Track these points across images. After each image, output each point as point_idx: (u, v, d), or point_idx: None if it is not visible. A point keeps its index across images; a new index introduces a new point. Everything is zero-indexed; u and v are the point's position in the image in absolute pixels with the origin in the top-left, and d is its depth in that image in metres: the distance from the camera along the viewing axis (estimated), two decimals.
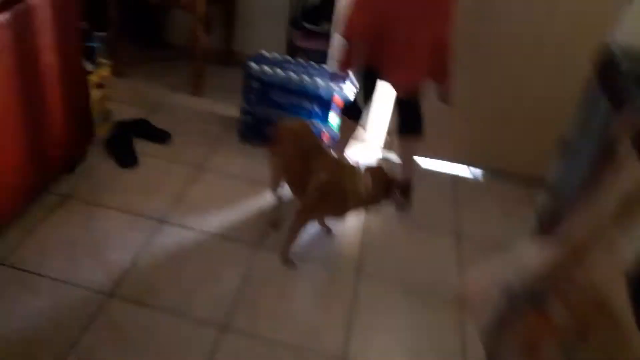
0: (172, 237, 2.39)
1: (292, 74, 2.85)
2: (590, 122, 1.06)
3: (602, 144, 0.94)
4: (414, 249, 2.58)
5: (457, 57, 2.39)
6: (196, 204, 2.59)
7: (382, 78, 2.50)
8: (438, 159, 3.17)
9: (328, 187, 2.21)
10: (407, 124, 2.59)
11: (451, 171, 3.19)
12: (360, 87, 2.63)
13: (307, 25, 3.50)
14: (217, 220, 2.51)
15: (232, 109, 3.29)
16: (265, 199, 2.66)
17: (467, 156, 3.16)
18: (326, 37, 3.30)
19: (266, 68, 2.87)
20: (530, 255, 1.04)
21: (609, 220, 0.97)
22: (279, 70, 2.86)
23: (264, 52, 3.05)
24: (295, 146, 2.34)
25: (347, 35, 2.41)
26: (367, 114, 2.74)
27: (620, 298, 0.97)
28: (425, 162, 3.18)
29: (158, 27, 3.94)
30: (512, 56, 2.83)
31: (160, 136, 2.97)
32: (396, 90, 2.49)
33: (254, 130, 3.03)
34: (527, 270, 0.96)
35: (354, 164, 2.28)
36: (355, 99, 2.68)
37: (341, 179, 2.21)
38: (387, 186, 2.21)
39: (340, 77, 2.82)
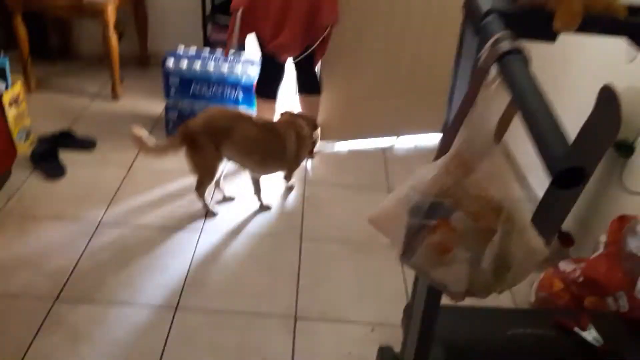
0: (112, 235, 2.41)
1: (210, 65, 2.92)
2: (464, 58, 1.21)
3: (474, 74, 1.08)
4: (351, 207, 2.73)
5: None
6: (131, 201, 2.61)
7: (266, 47, 2.68)
8: (364, 137, 3.31)
9: (303, 140, 2.60)
10: (304, 84, 2.88)
11: (379, 144, 3.36)
12: (264, 69, 2.80)
13: (220, 18, 3.57)
14: (154, 213, 2.55)
15: (155, 107, 3.33)
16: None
17: (383, 129, 3.32)
18: None
19: (184, 63, 2.92)
20: (425, 174, 1.16)
21: (488, 133, 1.12)
22: (197, 64, 2.92)
23: (179, 48, 3.09)
24: (215, 133, 2.41)
25: (234, 6, 2.62)
26: (279, 91, 2.90)
27: (513, 200, 1.12)
28: (356, 143, 3.32)
29: (68, 38, 3.89)
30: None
31: (85, 144, 2.96)
32: (278, 54, 2.67)
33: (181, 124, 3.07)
34: (425, 186, 1.10)
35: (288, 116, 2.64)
36: (262, 79, 2.83)
37: (298, 127, 2.59)
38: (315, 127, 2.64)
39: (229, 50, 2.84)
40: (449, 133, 1.17)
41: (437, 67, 3.06)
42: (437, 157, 1.17)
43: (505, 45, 1.01)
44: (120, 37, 3.79)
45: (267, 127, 2.52)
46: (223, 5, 3.64)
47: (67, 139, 2.96)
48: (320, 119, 2.89)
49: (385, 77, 3.00)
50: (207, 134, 2.40)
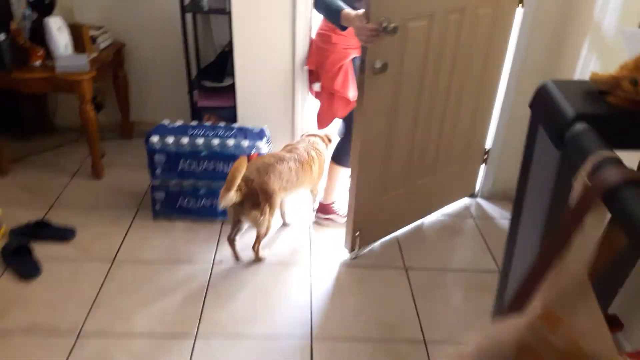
0: (94, 348, 2.06)
1: (199, 140, 2.64)
2: (536, 174, 0.93)
3: (567, 217, 0.79)
4: (365, 300, 2.41)
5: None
6: (115, 303, 2.27)
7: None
8: (393, 231, 2.91)
9: (321, 155, 2.80)
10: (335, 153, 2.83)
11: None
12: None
13: (207, 83, 3.31)
14: (142, 316, 2.21)
15: (141, 183, 3.03)
16: (190, 277, 2.41)
17: (413, 215, 2.98)
18: (230, 92, 3.14)
19: (169, 139, 2.64)
20: (498, 334, 0.90)
21: (584, 280, 0.84)
22: (184, 139, 2.64)
23: (165, 122, 2.82)
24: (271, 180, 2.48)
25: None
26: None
27: (608, 349, 0.86)
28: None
29: (43, 111, 3.61)
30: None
31: (63, 234, 2.64)
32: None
33: (169, 205, 2.78)
34: (503, 344, 0.82)
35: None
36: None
37: (315, 144, 2.81)
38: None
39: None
40: (528, 283, 0.88)
41: (459, 132, 2.82)
42: (511, 309, 0.90)
43: (614, 175, 0.73)
44: (99, 108, 3.54)
45: (296, 155, 2.64)
46: (209, 68, 3.39)
47: (42, 230, 2.63)
48: (352, 226, 2.60)
49: (413, 159, 2.69)
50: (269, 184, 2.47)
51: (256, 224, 2.48)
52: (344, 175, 2.78)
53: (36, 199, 2.95)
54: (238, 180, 2.31)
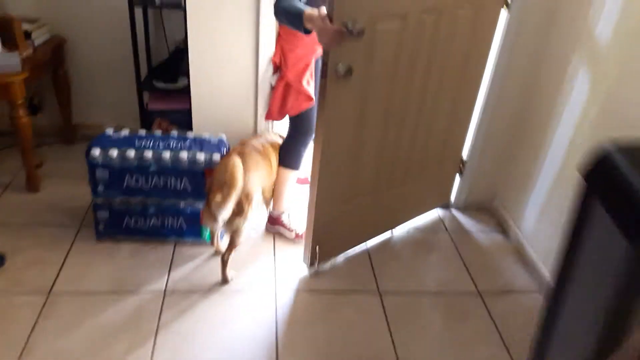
0: None
1: (147, 153, 2.34)
2: (588, 263, 0.71)
3: (626, 312, 0.57)
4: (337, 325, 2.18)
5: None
6: (51, 347, 1.96)
7: None
8: (359, 242, 2.69)
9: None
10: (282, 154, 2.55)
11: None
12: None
13: (159, 84, 2.99)
14: None
15: (84, 196, 2.70)
16: (138, 311, 2.13)
17: (381, 226, 2.76)
18: (184, 94, 2.83)
19: (113, 152, 2.33)
20: None
21: None
22: (130, 152, 2.33)
23: (108, 131, 2.50)
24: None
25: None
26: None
27: None
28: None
29: None
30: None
31: None
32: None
33: (114, 224, 2.47)
34: None
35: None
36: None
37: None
38: None
39: None
40: None
41: (434, 140, 2.61)
42: None
43: None
44: (36, 110, 3.18)
45: (253, 148, 2.42)
46: (161, 68, 3.07)
47: None
48: (311, 237, 2.36)
49: (382, 168, 2.46)
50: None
51: (238, 232, 2.26)
52: (293, 180, 2.55)
53: None
54: (239, 184, 2.13)
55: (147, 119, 3.03)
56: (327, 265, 2.48)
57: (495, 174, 2.83)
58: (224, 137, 2.55)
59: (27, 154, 2.71)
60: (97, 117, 3.29)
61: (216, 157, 2.37)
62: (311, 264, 2.42)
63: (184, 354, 1.98)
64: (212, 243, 2.48)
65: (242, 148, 2.37)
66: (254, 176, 2.27)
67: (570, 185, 2.17)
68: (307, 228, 2.35)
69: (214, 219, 2.13)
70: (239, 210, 2.19)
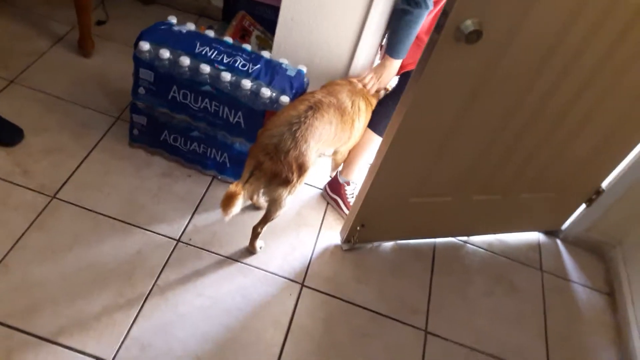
0: None
1: (205, 66, 1.82)
2: None
3: None
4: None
5: None
6: (25, 277, 1.63)
7: None
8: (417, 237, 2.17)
9: None
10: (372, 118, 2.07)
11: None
12: None
13: None
14: (48, 319, 1.61)
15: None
16: (141, 252, 1.77)
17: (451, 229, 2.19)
18: None
19: (165, 52, 1.83)
20: None
21: None
22: (184, 59, 1.82)
23: (170, 19, 1.97)
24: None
25: None
26: None
27: None
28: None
29: None
30: None
31: (7, 135, 1.97)
32: None
33: (151, 134, 2.06)
34: None
35: None
36: None
37: None
38: None
39: None
40: None
41: (570, 157, 1.93)
42: None
43: None
44: None
45: (336, 101, 1.86)
46: None
47: None
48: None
49: (478, 169, 1.85)
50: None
51: (277, 204, 1.76)
52: (375, 147, 1.98)
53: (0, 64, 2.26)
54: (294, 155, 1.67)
55: (232, 4, 2.47)
56: (369, 246, 2.01)
57: (632, 220, 2.14)
58: (304, 69, 1.97)
59: (83, 11, 2.26)
60: None
61: (284, 99, 1.83)
62: (347, 240, 1.97)
63: (166, 337, 1.62)
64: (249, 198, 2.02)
65: (320, 97, 1.80)
66: (315, 145, 1.73)
67: None
68: (355, 203, 1.88)
69: (254, 189, 1.67)
70: (284, 180, 1.69)
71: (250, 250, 1.90)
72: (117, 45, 2.52)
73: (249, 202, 2.03)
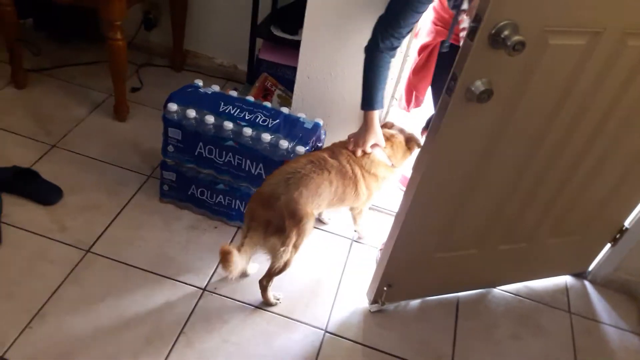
0: None
1: (228, 123, 1.95)
2: None
3: None
4: None
5: None
6: (60, 326, 1.72)
7: None
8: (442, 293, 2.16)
9: None
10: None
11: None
12: None
13: (276, 31, 2.54)
14: (87, 354, 1.69)
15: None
16: (168, 305, 1.84)
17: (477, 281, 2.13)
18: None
19: (191, 112, 1.97)
20: None
21: None
22: (209, 117, 1.96)
23: (196, 82, 2.13)
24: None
25: None
26: None
27: None
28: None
29: (87, 15, 3.00)
30: None
31: (45, 195, 2.12)
32: None
33: (180, 189, 2.17)
34: None
35: None
36: None
37: None
38: None
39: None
40: None
41: (589, 199, 1.95)
42: None
43: None
44: (152, 25, 2.91)
45: (338, 164, 1.90)
46: (285, 12, 2.60)
47: (25, 182, 2.11)
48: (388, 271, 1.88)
49: (501, 219, 1.88)
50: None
51: (274, 254, 1.78)
52: None
53: (41, 131, 2.44)
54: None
55: (255, 68, 2.64)
56: (392, 307, 2.02)
57: None
58: (320, 122, 2.08)
59: (119, 81, 2.45)
60: (209, 49, 2.97)
61: (300, 149, 1.93)
62: (374, 301, 1.97)
63: None
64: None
65: (324, 155, 1.86)
66: (311, 197, 1.76)
67: None
68: (379, 264, 1.89)
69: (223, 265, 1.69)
70: (277, 229, 1.71)
71: (266, 303, 1.93)
72: (149, 109, 2.70)
73: None
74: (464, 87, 1.39)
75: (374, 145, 1.93)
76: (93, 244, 2.00)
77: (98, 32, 3.01)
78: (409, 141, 2.05)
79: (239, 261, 1.68)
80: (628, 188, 1.98)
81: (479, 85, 1.38)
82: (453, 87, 1.39)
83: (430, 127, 1.51)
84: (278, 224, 1.71)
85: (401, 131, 2.07)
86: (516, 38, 1.27)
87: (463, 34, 1.71)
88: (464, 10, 1.69)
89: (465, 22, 1.70)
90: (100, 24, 2.99)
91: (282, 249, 1.74)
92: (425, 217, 1.74)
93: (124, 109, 2.57)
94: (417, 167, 1.62)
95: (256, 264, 1.98)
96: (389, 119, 2.19)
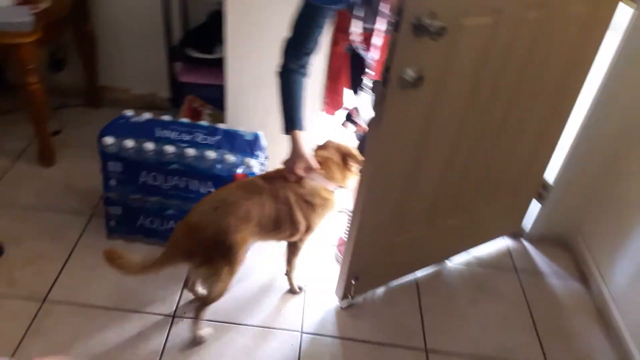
0: None
1: (169, 147, 1.95)
2: None
3: None
4: None
5: None
6: None
7: None
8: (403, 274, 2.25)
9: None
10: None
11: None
12: None
13: (192, 52, 2.57)
14: None
15: (100, 176, 2.33)
16: (139, 339, 1.81)
17: (432, 257, 2.31)
18: (221, 66, 2.40)
19: (129, 142, 1.95)
20: None
21: None
22: (148, 144, 1.95)
23: (126, 113, 2.12)
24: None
25: None
26: None
27: None
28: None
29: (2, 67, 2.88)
30: None
31: None
32: None
33: (128, 222, 2.14)
34: None
35: None
36: None
37: None
38: None
39: None
40: None
41: (515, 164, 2.13)
42: None
43: None
44: (60, 66, 2.83)
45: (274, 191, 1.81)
46: (198, 33, 2.63)
47: None
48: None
49: (445, 196, 2.01)
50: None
51: (206, 284, 1.74)
52: None
53: None
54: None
55: (178, 92, 2.64)
56: (361, 298, 2.09)
57: (585, 207, 2.33)
58: (260, 134, 2.13)
59: (40, 124, 2.38)
60: (125, 81, 2.93)
61: (248, 161, 1.97)
62: (344, 297, 2.04)
63: None
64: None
65: (255, 180, 1.81)
66: (241, 225, 1.67)
67: None
68: (344, 260, 1.96)
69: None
70: (206, 259, 1.66)
71: (198, 339, 1.83)
72: (75, 150, 2.62)
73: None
74: (397, 76, 1.49)
75: (308, 170, 1.81)
76: (48, 292, 1.93)
77: (5, 80, 2.89)
78: (346, 158, 1.91)
79: (128, 256, 1.65)
80: (543, 146, 2.19)
81: (410, 73, 1.49)
82: (387, 78, 1.50)
83: (372, 118, 1.61)
84: (206, 255, 1.66)
85: (337, 149, 1.92)
86: (437, 24, 1.40)
87: (355, 37, 1.82)
88: (356, 16, 1.80)
89: (355, 26, 1.81)
90: (7, 71, 2.89)
91: (213, 278, 1.69)
92: (382, 204, 1.83)
93: (50, 154, 2.48)
94: (366, 162, 1.71)
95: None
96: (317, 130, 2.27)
